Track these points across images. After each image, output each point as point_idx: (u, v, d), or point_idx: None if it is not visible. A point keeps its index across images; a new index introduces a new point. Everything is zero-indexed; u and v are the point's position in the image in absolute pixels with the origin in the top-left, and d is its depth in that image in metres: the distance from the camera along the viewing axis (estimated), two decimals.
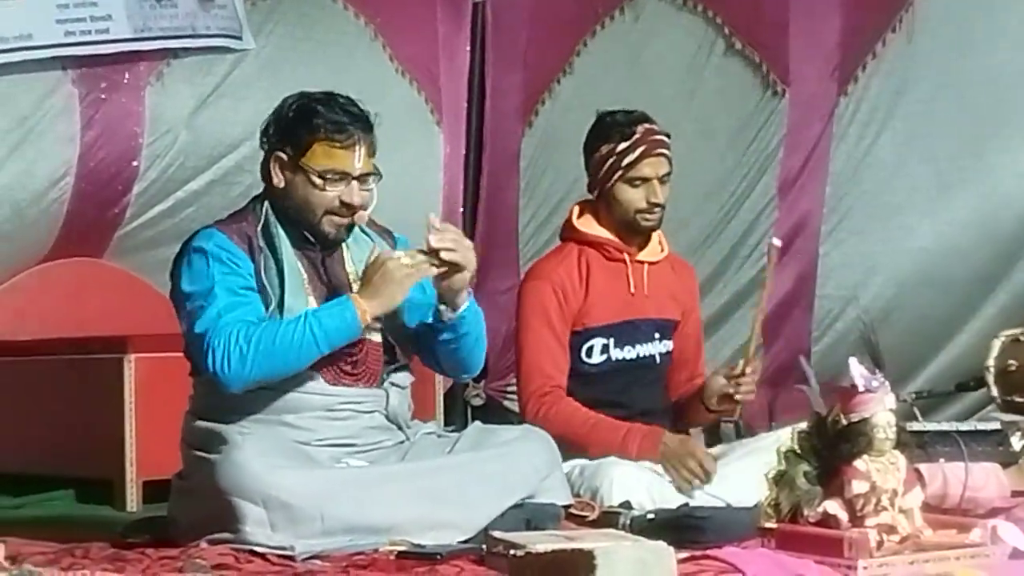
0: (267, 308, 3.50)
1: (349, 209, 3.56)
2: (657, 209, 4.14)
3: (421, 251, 3.52)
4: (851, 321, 5.85)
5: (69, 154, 5.45)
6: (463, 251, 3.53)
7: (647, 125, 4.14)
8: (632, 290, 4.18)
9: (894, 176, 6.00)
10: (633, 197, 4.13)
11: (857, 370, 3.16)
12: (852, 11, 5.93)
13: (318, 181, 3.54)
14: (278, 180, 3.59)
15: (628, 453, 3.96)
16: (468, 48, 6.50)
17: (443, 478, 3.46)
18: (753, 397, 4.14)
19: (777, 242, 4.28)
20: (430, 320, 3.62)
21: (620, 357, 4.16)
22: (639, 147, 4.10)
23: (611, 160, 4.12)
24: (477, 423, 3.83)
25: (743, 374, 4.08)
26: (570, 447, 3.91)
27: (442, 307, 3.57)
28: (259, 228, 3.58)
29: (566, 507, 3.67)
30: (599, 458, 3.96)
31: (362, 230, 3.70)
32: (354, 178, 3.56)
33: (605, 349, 4.14)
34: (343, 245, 3.67)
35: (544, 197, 6.38)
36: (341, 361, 3.56)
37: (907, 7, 5.91)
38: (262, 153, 3.69)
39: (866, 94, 5.94)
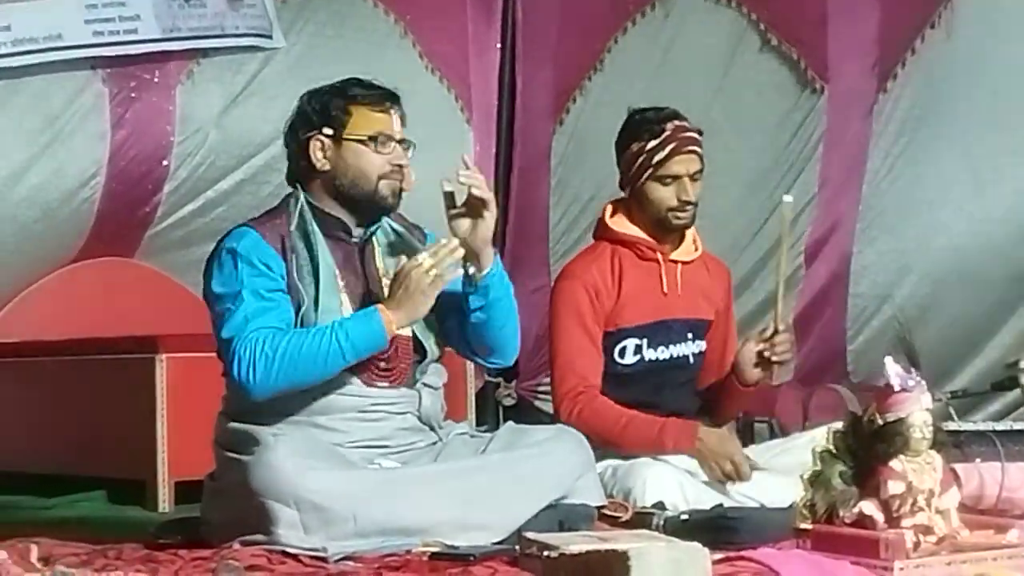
0: (299, 308, 3.51)
1: (399, 170, 3.61)
2: (689, 207, 4.12)
3: (453, 211, 3.57)
4: (886, 320, 5.83)
5: (99, 153, 5.49)
6: (487, 193, 3.59)
7: (678, 122, 4.12)
8: (665, 290, 4.17)
9: (929, 173, 5.97)
10: (664, 195, 4.12)
11: (893, 369, 3.15)
12: (891, 6, 5.89)
13: (369, 144, 3.59)
14: (322, 163, 3.61)
15: (664, 447, 3.95)
16: (498, 45, 6.51)
17: (476, 479, 3.46)
18: (790, 357, 4.10)
19: (789, 198, 4.23)
20: (460, 289, 3.64)
21: (653, 358, 4.15)
22: (669, 144, 4.09)
23: (641, 158, 4.11)
24: (510, 423, 3.82)
25: (776, 332, 4.05)
26: (605, 445, 3.91)
27: (470, 268, 3.58)
28: (293, 226, 3.58)
29: (599, 508, 3.66)
30: (634, 454, 3.95)
31: (392, 228, 3.71)
32: (397, 142, 3.62)
33: (638, 350, 4.13)
34: (374, 240, 3.68)
35: (575, 195, 6.38)
36: (373, 360, 3.57)
37: (946, 3, 5.88)
38: (286, 155, 3.72)
39: (904, 91, 5.91)
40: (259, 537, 3.31)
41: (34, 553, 3.25)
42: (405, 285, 3.48)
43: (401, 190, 3.64)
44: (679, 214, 4.13)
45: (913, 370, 3.18)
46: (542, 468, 3.52)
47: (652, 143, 4.09)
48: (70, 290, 5.58)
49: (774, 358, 4.07)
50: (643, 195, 4.13)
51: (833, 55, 5.96)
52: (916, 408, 3.14)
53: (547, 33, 6.42)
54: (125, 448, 5.01)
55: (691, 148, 4.11)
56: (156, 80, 5.57)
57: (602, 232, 4.25)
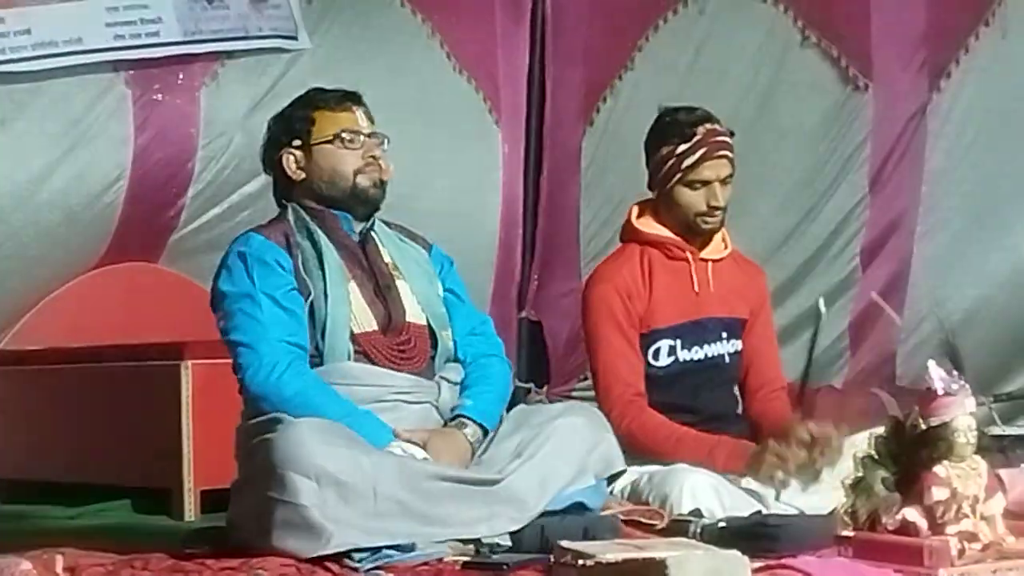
0: (306, 299, 3.58)
1: (375, 161, 3.71)
2: (718, 212, 4.11)
3: None
4: (937, 323, 5.78)
5: (123, 157, 5.49)
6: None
7: (709, 125, 4.10)
8: (697, 289, 4.15)
9: (993, 174, 5.90)
10: (693, 200, 4.10)
11: (936, 373, 3.12)
12: (937, 4, 5.84)
13: (336, 142, 3.70)
14: (297, 174, 3.73)
15: (715, 466, 3.91)
16: (527, 44, 6.50)
17: (494, 467, 3.48)
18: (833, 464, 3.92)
19: (823, 307, 4.23)
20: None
21: (688, 358, 4.13)
22: (700, 149, 4.07)
23: (671, 162, 4.09)
24: (521, 405, 3.85)
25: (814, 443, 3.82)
26: (653, 457, 3.92)
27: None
28: (294, 225, 3.70)
29: (628, 519, 3.64)
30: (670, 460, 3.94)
31: (399, 238, 3.80)
32: (366, 136, 3.72)
33: (672, 351, 4.12)
34: (375, 237, 3.76)
35: (606, 196, 6.36)
36: (388, 345, 3.63)
37: (998, 1, 5.83)
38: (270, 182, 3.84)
39: (962, 90, 5.86)
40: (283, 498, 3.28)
41: (59, 564, 3.24)
42: (455, 443, 3.56)
43: (383, 181, 3.73)
44: (708, 219, 4.11)
45: (957, 373, 3.16)
46: (555, 447, 3.53)
47: (682, 147, 4.07)
48: (93, 296, 5.57)
49: (819, 466, 3.81)
50: (671, 199, 4.12)
51: (876, 53, 5.92)
52: (960, 412, 3.12)
53: (577, 31, 6.40)
54: (150, 456, 5.00)
55: (722, 152, 4.09)
56: (180, 82, 5.57)
57: (630, 234, 4.23)
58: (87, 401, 5.22)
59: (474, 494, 3.40)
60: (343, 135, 3.70)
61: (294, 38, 5.78)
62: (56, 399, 5.31)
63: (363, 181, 3.70)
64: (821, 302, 4.24)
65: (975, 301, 5.89)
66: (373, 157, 3.72)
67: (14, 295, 5.43)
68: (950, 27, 5.81)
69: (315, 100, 3.76)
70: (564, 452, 3.53)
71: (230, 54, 5.66)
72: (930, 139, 5.90)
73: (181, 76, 5.57)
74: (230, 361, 3.64)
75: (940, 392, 3.12)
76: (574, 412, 3.66)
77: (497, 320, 6.45)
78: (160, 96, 5.53)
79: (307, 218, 3.71)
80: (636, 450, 3.80)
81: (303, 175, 3.73)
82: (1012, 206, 5.85)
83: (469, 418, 3.62)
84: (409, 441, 3.51)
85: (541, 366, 6.59)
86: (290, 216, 3.73)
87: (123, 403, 5.11)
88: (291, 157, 3.73)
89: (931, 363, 3.16)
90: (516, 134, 6.48)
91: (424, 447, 3.51)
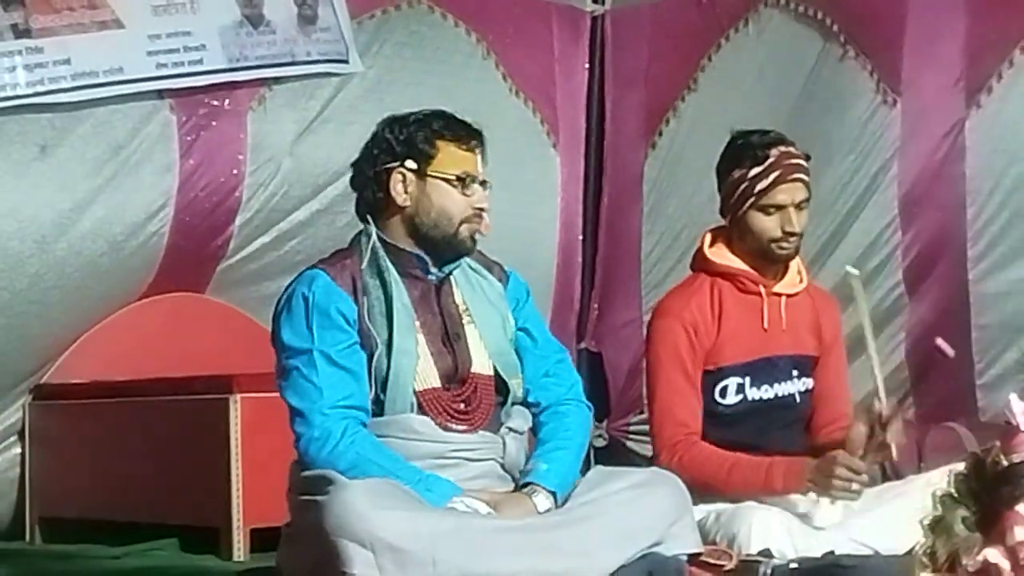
0: (372, 352, 3.54)
1: (480, 214, 3.62)
2: (793, 238, 4.10)
3: None
4: (1022, 352, 5.71)
5: (168, 184, 5.52)
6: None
7: (783, 148, 4.09)
8: (766, 325, 4.13)
9: None
10: (767, 226, 4.09)
11: (1019, 407, 3.11)
12: (980, 16, 5.79)
13: (456, 185, 3.60)
14: (403, 198, 3.61)
15: (773, 489, 3.92)
16: (587, 65, 6.52)
17: (562, 530, 3.43)
18: (904, 440, 4.02)
19: (853, 270, 4.19)
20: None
21: (757, 397, 4.12)
22: (773, 172, 4.06)
23: (743, 186, 4.08)
24: (599, 467, 3.80)
25: (881, 418, 3.92)
26: (710, 491, 3.90)
27: None
28: (365, 264, 3.61)
29: (697, 555, 3.63)
30: (742, 497, 3.93)
31: (470, 267, 3.73)
32: (480, 183, 3.64)
33: (740, 389, 4.10)
34: (451, 278, 3.69)
35: (668, 223, 6.36)
36: (449, 402, 3.58)
37: None
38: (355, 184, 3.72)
39: (1005, 106, 5.80)
40: None
41: None
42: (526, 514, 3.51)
43: (480, 233, 3.66)
44: (783, 245, 4.10)
45: None
46: (633, 514, 3.50)
47: (755, 170, 4.06)
48: (138, 328, 5.60)
49: (887, 439, 3.91)
50: (744, 224, 4.11)
51: (908, 68, 5.86)
52: None
53: (638, 52, 6.41)
54: (198, 494, 5.03)
55: (797, 176, 4.08)
56: (227, 107, 5.60)
57: (701, 263, 4.22)
58: (132, 436, 5.25)
59: (537, 548, 3.37)
60: (465, 178, 3.61)
61: (344, 61, 5.81)
62: (100, 434, 5.35)
63: (464, 231, 3.61)
64: (850, 269, 4.17)
65: None
66: (481, 209, 3.62)
67: (56, 327, 5.46)
68: (993, 40, 5.73)
69: (444, 129, 3.62)
70: (642, 519, 3.50)
71: (278, 78, 5.69)
72: (970, 157, 5.83)
73: (228, 101, 5.61)
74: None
75: (1022, 427, 3.11)
76: (657, 483, 3.62)
77: None
78: (206, 121, 5.56)
79: (383, 255, 3.61)
80: (690, 485, 3.80)
81: (409, 201, 3.61)
82: None
83: (541, 486, 3.55)
84: (475, 499, 3.48)
85: (601, 399, 6.59)
86: (364, 248, 3.62)
87: (169, 438, 5.14)
88: (403, 177, 3.61)
89: (1012, 396, 3.15)
90: (575, 158, 6.49)
91: (491, 507, 3.48)
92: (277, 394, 3.64)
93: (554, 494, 3.55)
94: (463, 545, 3.31)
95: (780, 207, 4.07)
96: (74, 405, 5.42)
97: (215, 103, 5.60)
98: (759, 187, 4.06)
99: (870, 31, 5.91)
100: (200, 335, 5.63)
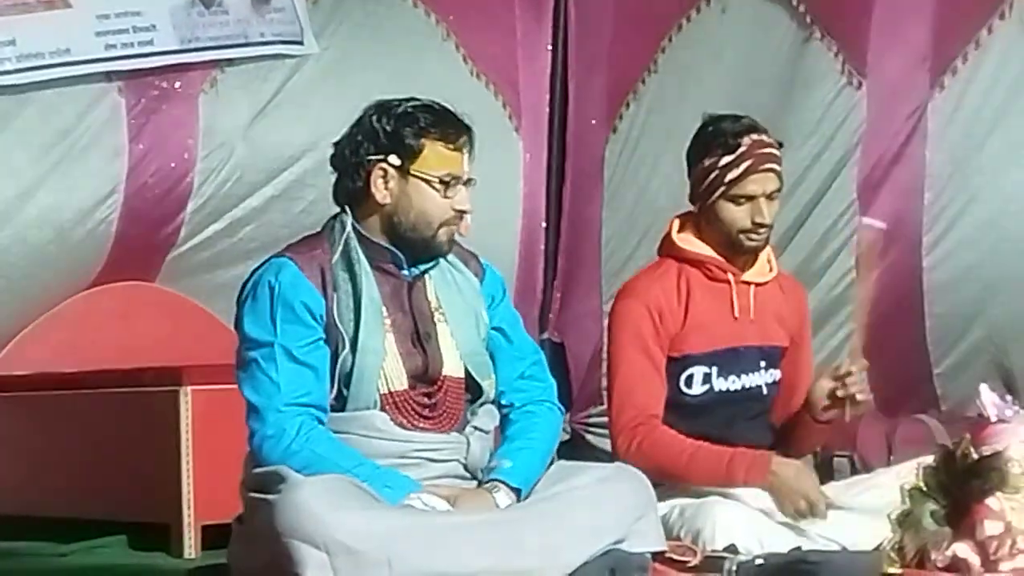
0: (338, 349, 3.50)
1: (461, 218, 3.58)
2: (763, 229, 4.08)
3: None
4: (977, 340, 5.72)
5: (116, 170, 5.49)
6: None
7: (755, 136, 4.07)
8: (736, 314, 4.12)
9: (1011, 181, 5.81)
10: (737, 216, 4.07)
11: (988, 398, 3.11)
12: None
13: (439, 187, 3.54)
14: (383, 195, 3.56)
15: (734, 480, 3.92)
16: (550, 47, 6.48)
17: (522, 526, 3.42)
18: (865, 396, 4.05)
19: (874, 223, 4.18)
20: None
21: (724, 388, 4.11)
22: (744, 162, 4.04)
23: (714, 174, 4.06)
24: (562, 462, 3.78)
25: (849, 373, 4.00)
26: (667, 479, 3.90)
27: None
28: (336, 256, 3.56)
29: (660, 553, 3.62)
30: (703, 492, 3.93)
31: (449, 267, 3.69)
32: (463, 184, 3.58)
33: (707, 379, 4.09)
34: (426, 276, 3.65)
35: (628, 209, 6.34)
36: (415, 401, 3.55)
37: None
38: (332, 175, 3.66)
39: (970, 88, 5.78)
40: None
41: None
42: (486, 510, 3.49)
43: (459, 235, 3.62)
44: (752, 236, 4.08)
45: (1010, 399, 3.14)
46: (596, 511, 3.48)
47: (726, 159, 4.04)
48: (86, 318, 5.57)
49: (841, 393, 4.02)
50: (713, 213, 4.09)
51: (874, 49, 5.85)
52: (1014, 440, 3.11)
53: (601, 32, 6.38)
54: (147, 489, 5.00)
55: (768, 165, 4.07)
56: (177, 89, 5.57)
57: (668, 249, 4.20)
58: (79, 430, 5.22)
59: (497, 546, 3.34)
60: (449, 181, 3.54)
61: (299, 42, 5.77)
62: (46, 428, 5.31)
63: (443, 235, 3.56)
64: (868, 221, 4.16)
65: (1017, 317, 5.78)
66: (462, 212, 3.56)
67: (1, 318, 5.42)
68: (959, 21, 5.72)
69: (432, 126, 3.54)
70: (606, 516, 3.48)
71: (231, 59, 5.65)
72: (930, 140, 5.82)
73: (178, 83, 5.57)
74: (233, 387, 3.63)
75: (993, 419, 3.10)
76: (621, 478, 3.60)
77: None
78: (156, 104, 5.53)
79: (355, 246, 3.56)
80: (649, 474, 3.78)
81: (389, 199, 3.55)
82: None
83: (503, 482, 3.53)
84: (434, 495, 3.46)
85: (564, 391, 6.57)
86: (337, 238, 3.57)
87: (118, 432, 5.10)
88: (384, 173, 3.55)
89: (983, 388, 3.14)
90: (538, 142, 6.46)
91: (450, 504, 3.46)
92: (229, 386, 3.62)
93: (518, 492, 3.53)
94: (420, 544, 3.29)
95: (750, 197, 4.05)
96: (19, 397, 5.38)
97: (165, 86, 5.57)
98: (729, 177, 4.05)
99: (837, 12, 5.91)
100: (150, 325, 5.60)
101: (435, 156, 3.54)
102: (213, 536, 4.70)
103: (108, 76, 5.44)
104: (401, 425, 3.53)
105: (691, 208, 4.19)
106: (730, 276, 4.13)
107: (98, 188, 5.46)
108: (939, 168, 5.78)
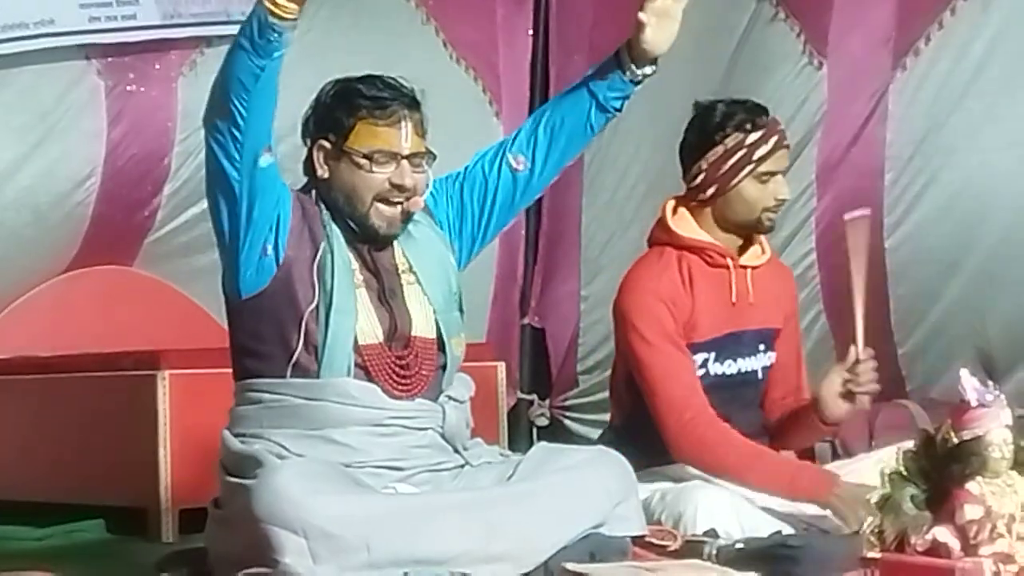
0: (314, 302, 3.50)
1: (401, 191, 3.55)
2: (780, 208, 4.08)
3: None
4: (938, 320, 5.69)
5: (95, 152, 5.50)
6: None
7: (769, 116, 4.08)
8: (735, 299, 4.08)
9: (970, 162, 5.80)
10: (761, 195, 4.01)
11: (969, 383, 3.12)
12: None
13: (363, 163, 3.54)
14: (322, 171, 3.60)
15: (797, 492, 3.87)
16: (530, 31, 6.49)
17: (501, 509, 3.42)
18: (876, 387, 4.03)
19: (863, 211, 4.17)
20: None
21: (720, 372, 4.05)
22: (772, 137, 4.02)
23: (740, 153, 4.00)
24: (543, 444, 3.79)
25: (857, 362, 3.97)
26: (726, 475, 3.88)
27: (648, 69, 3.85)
28: (322, 215, 3.59)
29: (641, 537, 3.63)
30: (685, 476, 3.93)
31: (415, 221, 3.67)
32: (403, 158, 3.56)
33: (704, 364, 4.03)
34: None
35: (609, 195, 6.35)
36: (390, 365, 3.56)
37: None
38: (305, 148, 3.70)
39: (932, 69, 5.73)
40: (264, 570, 3.29)
41: None
42: None
43: (408, 214, 3.59)
44: (771, 215, 4.06)
45: (991, 383, 3.16)
46: (576, 494, 3.48)
47: (754, 136, 4.02)
48: (63, 301, 5.58)
49: (859, 389, 3.96)
50: (736, 194, 4.02)
51: (836, 29, 5.84)
52: (995, 425, 3.11)
53: (582, 16, 6.39)
54: (125, 473, 5.02)
55: (787, 143, 4.08)
56: (156, 71, 5.58)
57: (665, 236, 4.11)
58: (56, 414, 5.23)
59: (477, 529, 3.35)
60: (377, 156, 3.54)
61: None
62: (23, 412, 5.33)
63: (375, 217, 3.54)
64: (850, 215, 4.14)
65: (976, 296, 5.71)
66: (399, 187, 3.54)
67: None
68: (922, 1, 5.70)
69: (363, 101, 3.56)
70: (586, 499, 3.48)
71: (210, 41, 5.65)
72: (891, 122, 5.81)
73: (157, 65, 5.58)
74: (211, 371, 3.65)
75: (973, 403, 3.11)
76: (602, 461, 3.60)
77: (499, 325, 6.49)
78: (135, 87, 5.54)
79: (325, 210, 3.58)
80: (708, 468, 3.79)
81: (327, 174, 3.58)
82: (995, 198, 5.65)
83: None
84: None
85: (544, 376, 6.60)
86: (317, 201, 3.61)
87: (95, 416, 5.12)
88: (322, 153, 3.58)
89: (964, 372, 3.15)
90: (518, 126, 6.47)
91: None
92: (207, 370, 3.63)
93: None
94: (398, 529, 3.30)
95: (773, 174, 4.04)
96: None
97: (145, 67, 5.57)
98: (758, 153, 4.00)
99: None
100: (128, 309, 5.62)
101: (365, 132, 3.55)
102: (191, 520, 4.70)
103: (87, 56, 5.45)
104: (375, 391, 3.52)
105: (678, 193, 4.15)
106: (729, 261, 4.09)
107: (76, 171, 5.48)
108: (899, 149, 5.77)
